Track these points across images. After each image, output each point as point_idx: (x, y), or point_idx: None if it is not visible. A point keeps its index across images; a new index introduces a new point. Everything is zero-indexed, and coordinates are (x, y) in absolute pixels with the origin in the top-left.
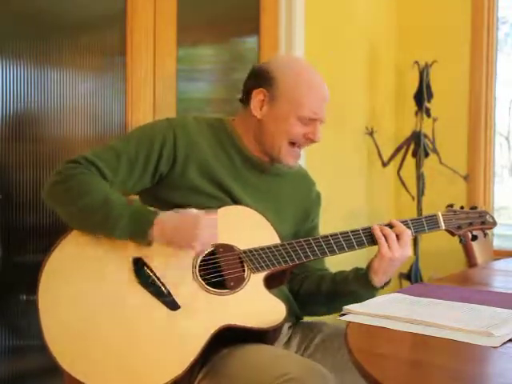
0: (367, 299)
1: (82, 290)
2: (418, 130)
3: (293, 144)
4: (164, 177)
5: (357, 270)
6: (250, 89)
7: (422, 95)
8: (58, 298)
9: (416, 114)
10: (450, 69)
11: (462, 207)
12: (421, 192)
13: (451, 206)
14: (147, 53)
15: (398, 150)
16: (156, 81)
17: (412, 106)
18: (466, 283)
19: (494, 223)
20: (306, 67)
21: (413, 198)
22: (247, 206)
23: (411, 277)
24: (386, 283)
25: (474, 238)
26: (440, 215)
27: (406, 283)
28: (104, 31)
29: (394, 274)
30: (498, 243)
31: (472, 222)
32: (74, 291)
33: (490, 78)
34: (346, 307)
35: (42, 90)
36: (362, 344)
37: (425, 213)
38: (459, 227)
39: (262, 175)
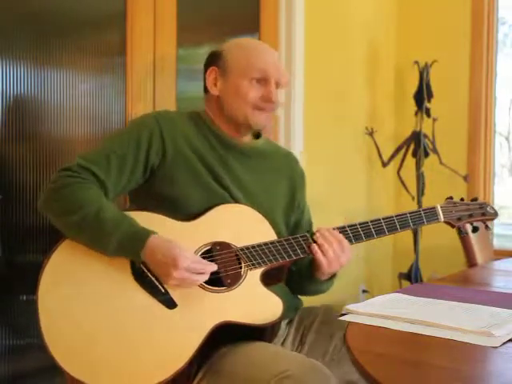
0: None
1: (80, 292)
2: (418, 130)
3: (257, 108)
4: (156, 169)
5: (307, 269)
6: (205, 72)
7: (422, 95)
8: (58, 300)
9: (416, 114)
10: (450, 69)
11: (462, 199)
12: (421, 192)
13: (451, 198)
14: (147, 53)
15: (397, 150)
16: (156, 81)
17: (412, 105)
18: (466, 283)
19: (495, 214)
20: (253, 40)
21: (413, 198)
22: (234, 193)
23: (411, 277)
24: (334, 274)
25: (475, 229)
26: (439, 207)
27: (406, 283)
28: (104, 31)
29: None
30: (498, 243)
31: (472, 214)
32: (73, 293)
33: (490, 78)
34: (346, 307)
35: (42, 90)
36: (362, 344)
37: None
38: (459, 219)
39: (244, 157)
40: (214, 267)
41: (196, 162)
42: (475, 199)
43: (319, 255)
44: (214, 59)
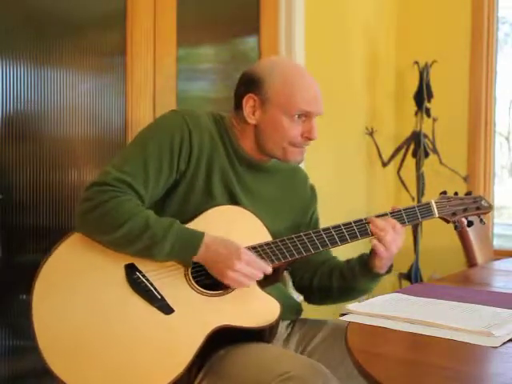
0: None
1: (76, 299)
2: (418, 130)
3: (295, 146)
4: (182, 173)
5: (362, 265)
6: (241, 95)
7: (422, 95)
8: (53, 308)
9: (416, 114)
10: (450, 69)
11: (456, 193)
12: (421, 192)
13: (445, 192)
14: (147, 53)
15: (397, 150)
16: (156, 81)
17: (412, 105)
18: (466, 283)
19: (490, 207)
20: (292, 66)
21: (413, 198)
22: (243, 205)
23: (411, 277)
24: (391, 266)
25: (470, 223)
26: (433, 203)
27: (406, 283)
28: (104, 31)
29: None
30: (498, 243)
31: (467, 208)
32: (67, 301)
33: (490, 78)
34: (346, 307)
35: (42, 90)
36: (362, 344)
37: None
38: (454, 214)
39: (256, 173)
40: (268, 269)
41: (215, 170)
42: (469, 193)
43: (376, 242)
44: (252, 85)
